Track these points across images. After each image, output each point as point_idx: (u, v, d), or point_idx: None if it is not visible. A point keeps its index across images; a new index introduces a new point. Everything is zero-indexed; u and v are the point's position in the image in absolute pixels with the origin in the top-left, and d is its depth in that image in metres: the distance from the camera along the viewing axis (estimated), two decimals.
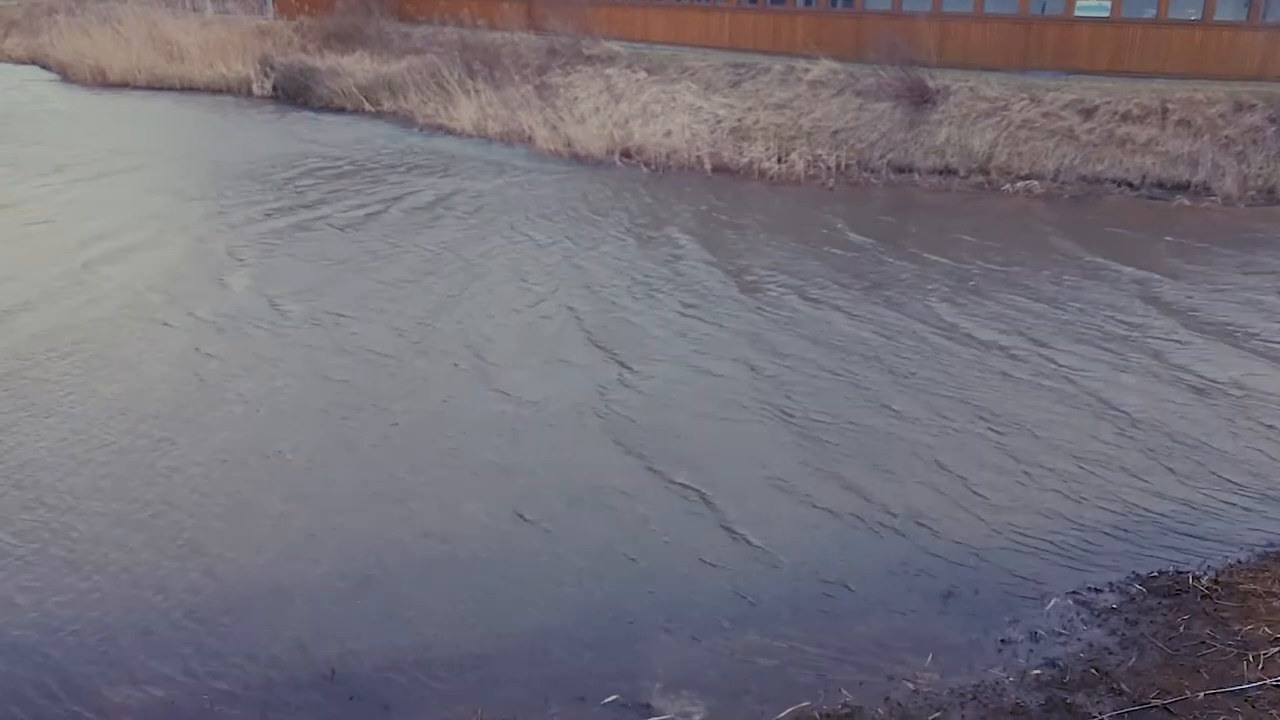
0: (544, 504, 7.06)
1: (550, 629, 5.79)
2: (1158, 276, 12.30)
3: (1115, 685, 5.18)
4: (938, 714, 5.04)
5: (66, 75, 30.41)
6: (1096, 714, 4.95)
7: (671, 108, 19.83)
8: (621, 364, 9.48)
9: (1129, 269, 12.57)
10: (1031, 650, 5.59)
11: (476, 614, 5.92)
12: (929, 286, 11.86)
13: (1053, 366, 9.51)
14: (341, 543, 6.59)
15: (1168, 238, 14.07)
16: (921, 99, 18.11)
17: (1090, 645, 5.59)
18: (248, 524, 6.79)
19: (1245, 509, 7.11)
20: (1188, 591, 6.03)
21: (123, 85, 28.67)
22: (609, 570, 6.35)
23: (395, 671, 5.43)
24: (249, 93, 27.25)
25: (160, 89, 28.26)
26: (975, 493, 7.26)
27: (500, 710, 5.14)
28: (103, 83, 28.90)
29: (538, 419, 8.33)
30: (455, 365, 9.41)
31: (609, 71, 21.85)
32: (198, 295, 11.21)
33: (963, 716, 5.03)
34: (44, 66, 32.93)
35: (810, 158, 17.90)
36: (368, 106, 24.60)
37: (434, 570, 6.34)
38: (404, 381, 9.04)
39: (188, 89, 28.12)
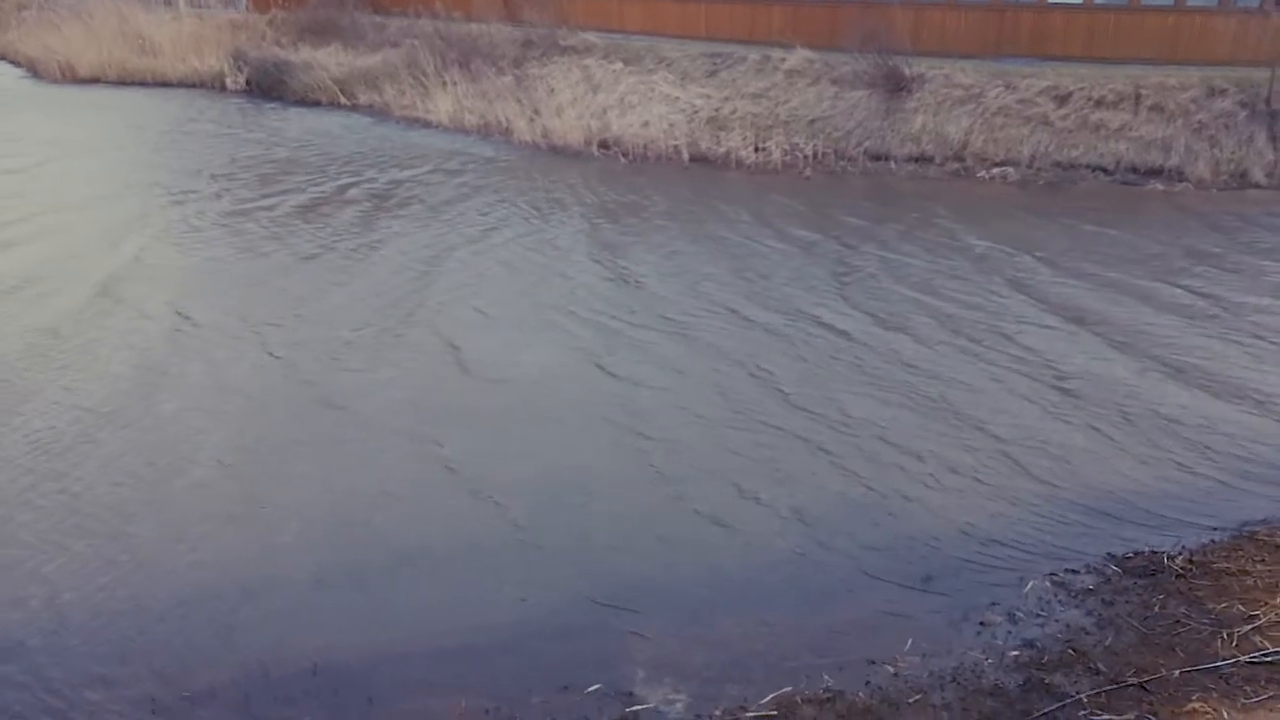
0: (524, 496, 7.05)
1: (532, 620, 5.80)
2: (1133, 262, 12.39)
3: (1092, 665, 5.25)
4: (918, 696, 5.08)
5: (35, 71, 29.98)
6: (1074, 693, 5.01)
7: (649, 98, 19.79)
8: (601, 359, 9.48)
9: (1106, 256, 12.65)
10: (1010, 632, 5.65)
11: (459, 606, 5.92)
12: (906, 276, 11.90)
13: (1023, 352, 9.57)
14: (322, 538, 6.56)
15: (1142, 224, 14.17)
16: (897, 87, 18.15)
17: (1067, 626, 5.65)
18: (228, 522, 6.74)
19: (1219, 490, 7.20)
20: (1163, 571, 6.12)
21: (93, 81, 28.30)
22: (590, 561, 6.36)
23: (378, 664, 5.42)
24: (222, 87, 26.98)
25: (131, 84, 27.91)
26: (953, 479, 7.32)
27: (484, 700, 5.15)
28: (72, 78, 28.51)
29: (519, 413, 8.32)
30: (431, 358, 9.38)
31: (586, 62, 21.77)
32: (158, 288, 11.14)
33: (943, 698, 5.08)
34: (13, 63, 32.45)
35: (787, 147, 17.91)
36: (343, 100, 24.40)
37: (415, 563, 6.33)
38: (375, 376, 9.00)
39: (160, 84, 27.79)
